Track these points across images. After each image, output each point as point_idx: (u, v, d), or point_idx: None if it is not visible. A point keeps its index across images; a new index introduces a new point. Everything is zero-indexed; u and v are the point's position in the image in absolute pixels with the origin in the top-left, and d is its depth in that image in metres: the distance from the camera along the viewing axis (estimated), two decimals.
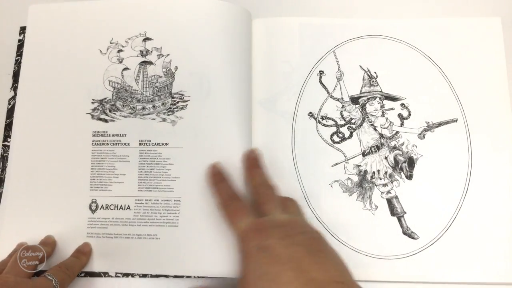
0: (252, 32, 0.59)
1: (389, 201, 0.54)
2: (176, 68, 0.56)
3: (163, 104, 0.55)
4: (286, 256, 0.39)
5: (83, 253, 0.51)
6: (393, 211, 0.54)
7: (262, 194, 0.47)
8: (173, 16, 0.57)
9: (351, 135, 0.57)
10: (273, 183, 0.49)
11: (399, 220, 0.53)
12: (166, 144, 0.54)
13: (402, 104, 0.57)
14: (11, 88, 0.58)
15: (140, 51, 0.57)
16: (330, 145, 0.56)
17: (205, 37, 0.56)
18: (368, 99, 0.58)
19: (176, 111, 0.55)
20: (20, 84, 0.57)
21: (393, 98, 0.58)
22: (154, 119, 0.55)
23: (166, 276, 0.51)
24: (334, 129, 0.57)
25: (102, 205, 0.53)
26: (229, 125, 0.54)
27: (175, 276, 0.51)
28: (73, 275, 0.48)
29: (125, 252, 0.51)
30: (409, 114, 0.57)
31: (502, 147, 0.55)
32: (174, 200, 0.52)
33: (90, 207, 0.53)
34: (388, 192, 0.54)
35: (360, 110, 0.58)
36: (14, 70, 0.59)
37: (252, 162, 0.50)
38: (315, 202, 0.54)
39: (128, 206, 0.53)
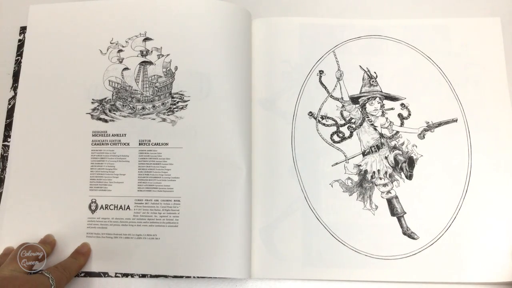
0: (252, 32, 0.59)
1: (389, 201, 0.54)
2: (176, 68, 0.56)
3: (163, 104, 0.55)
4: None
5: (81, 253, 0.51)
6: (393, 211, 0.54)
7: None
8: (173, 16, 0.57)
9: (351, 135, 0.57)
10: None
11: (399, 220, 0.53)
12: (166, 144, 0.54)
13: (402, 104, 0.57)
14: (11, 88, 0.58)
15: (140, 51, 0.57)
16: (330, 145, 0.56)
17: (205, 37, 0.56)
18: (368, 99, 0.58)
19: (176, 111, 0.55)
20: (20, 84, 0.57)
21: (393, 98, 0.58)
22: (154, 119, 0.55)
23: (165, 276, 0.51)
24: (334, 128, 0.57)
25: (101, 205, 0.53)
26: (229, 125, 0.54)
27: (175, 276, 0.51)
28: (70, 276, 0.48)
29: (125, 252, 0.51)
30: (409, 114, 0.57)
31: (502, 147, 0.55)
32: (174, 200, 0.52)
33: (89, 207, 0.53)
34: (388, 192, 0.54)
35: (360, 110, 0.58)
36: (14, 70, 0.59)
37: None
38: (315, 202, 0.54)
39: (128, 206, 0.53)
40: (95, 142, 0.55)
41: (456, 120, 0.56)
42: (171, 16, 0.57)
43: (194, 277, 0.51)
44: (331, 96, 0.58)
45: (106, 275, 0.51)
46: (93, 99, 0.56)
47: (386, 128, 0.57)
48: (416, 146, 0.56)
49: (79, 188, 0.53)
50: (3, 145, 0.56)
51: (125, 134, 0.55)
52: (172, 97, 0.55)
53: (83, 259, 0.50)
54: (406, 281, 0.51)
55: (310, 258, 0.52)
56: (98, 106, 0.56)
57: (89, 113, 0.56)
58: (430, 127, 0.56)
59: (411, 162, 0.55)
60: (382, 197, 0.54)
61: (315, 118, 0.57)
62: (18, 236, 0.52)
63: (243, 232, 0.51)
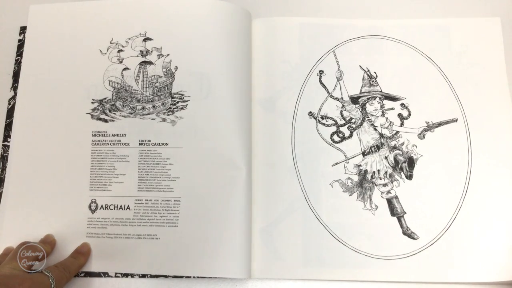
0: (252, 32, 0.59)
1: (389, 201, 0.54)
2: (176, 68, 0.56)
3: (163, 104, 0.55)
4: None
5: (81, 253, 0.51)
6: (393, 211, 0.54)
7: None
8: (173, 16, 0.57)
9: (351, 135, 0.57)
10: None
11: (399, 220, 0.53)
12: (166, 144, 0.54)
13: (402, 104, 0.57)
14: (11, 88, 0.58)
15: (140, 51, 0.57)
16: (330, 145, 0.56)
17: (205, 37, 0.56)
18: (368, 99, 0.58)
19: (176, 111, 0.55)
20: (20, 84, 0.57)
21: (393, 98, 0.58)
22: (154, 119, 0.55)
23: (165, 276, 0.51)
24: (334, 128, 0.57)
25: (101, 205, 0.53)
26: (229, 125, 0.54)
27: (175, 276, 0.51)
28: (70, 275, 0.48)
29: (125, 252, 0.51)
30: (409, 114, 0.57)
31: (502, 147, 0.55)
32: (174, 200, 0.52)
33: (89, 207, 0.53)
34: (388, 192, 0.54)
35: (360, 110, 0.58)
36: (14, 70, 0.59)
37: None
38: (315, 202, 0.54)
39: (128, 206, 0.53)
40: (95, 142, 0.55)
41: (456, 120, 0.56)
42: (171, 16, 0.57)
43: (194, 277, 0.51)
44: (331, 96, 0.58)
45: (106, 275, 0.51)
46: (93, 99, 0.56)
47: (386, 128, 0.57)
48: (416, 146, 0.56)
49: (79, 188, 0.53)
50: (3, 145, 0.56)
51: (125, 134, 0.55)
52: (172, 97, 0.55)
53: (83, 258, 0.50)
54: (406, 281, 0.51)
55: (310, 258, 0.52)
56: (98, 106, 0.56)
57: (89, 113, 0.56)
58: (430, 127, 0.56)
59: (411, 162, 0.55)
60: (382, 197, 0.54)
61: (315, 118, 0.57)
62: (18, 236, 0.52)
63: (243, 232, 0.51)
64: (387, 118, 0.57)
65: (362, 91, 0.58)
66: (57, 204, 0.53)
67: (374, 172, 0.55)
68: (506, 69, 0.58)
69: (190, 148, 0.54)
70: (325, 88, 0.58)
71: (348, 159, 0.56)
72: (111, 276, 0.51)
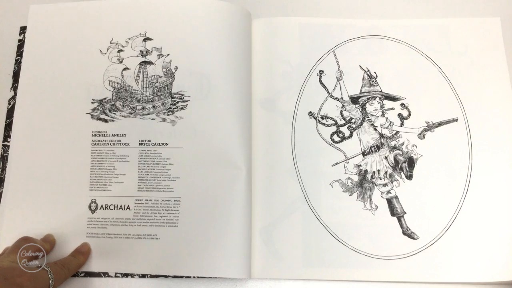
0: (252, 32, 0.59)
1: (389, 201, 0.54)
2: (176, 68, 0.56)
3: (163, 104, 0.55)
4: None
5: (81, 252, 0.51)
6: (393, 211, 0.54)
7: None
8: (173, 16, 0.57)
9: (351, 135, 0.57)
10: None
11: (399, 220, 0.53)
12: (166, 144, 0.54)
13: (402, 104, 0.57)
14: (11, 88, 0.58)
15: (140, 51, 0.57)
16: (330, 145, 0.56)
17: (205, 37, 0.56)
18: (368, 99, 0.58)
19: (176, 111, 0.55)
20: (20, 84, 0.57)
21: (393, 98, 0.58)
22: (154, 119, 0.55)
23: (165, 276, 0.51)
24: (334, 128, 0.57)
25: (101, 205, 0.53)
26: (229, 125, 0.54)
27: (175, 276, 0.51)
28: (68, 272, 0.48)
29: (125, 252, 0.51)
30: (409, 114, 0.57)
31: (503, 146, 0.55)
32: (174, 200, 0.52)
33: (89, 207, 0.53)
34: (388, 192, 0.54)
35: (360, 110, 0.58)
36: (14, 70, 0.59)
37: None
38: (315, 202, 0.54)
39: (128, 206, 0.53)
40: (95, 142, 0.55)
41: (456, 120, 0.56)
42: (171, 16, 0.57)
43: (194, 277, 0.51)
44: (331, 96, 0.58)
45: (106, 275, 0.51)
46: (93, 99, 0.56)
47: (386, 128, 0.57)
48: (416, 146, 0.56)
49: (79, 188, 0.53)
50: (3, 145, 0.56)
51: (125, 134, 0.55)
52: (172, 97, 0.55)
53: (82, 258, 0.50)
54: (406, 281, 0.51)
55: (310, 258, 0.52)
56: (98, 106, 0.56)
57: (89, 113, 0.56)
58: (430, 127, 0.56)
59: (411, 162, 0.55)
60: (382, 197, 0.54)
61: (315, 118, 0.57)
62: (18, 236, 0.51)
63: (243, 232, 0.51)
64: (387, 118, 0.57)
65: (362, 91, 0.58)
66: (57, 204, 0.53)
67: (374, 172, 0.55)
68: (506, 69, 0.58)
69: (190, 148, 0.54)
70: (325, 88, 0.58)
71: (348, 159, 0.56)
72: (111, 276, 0.51)
